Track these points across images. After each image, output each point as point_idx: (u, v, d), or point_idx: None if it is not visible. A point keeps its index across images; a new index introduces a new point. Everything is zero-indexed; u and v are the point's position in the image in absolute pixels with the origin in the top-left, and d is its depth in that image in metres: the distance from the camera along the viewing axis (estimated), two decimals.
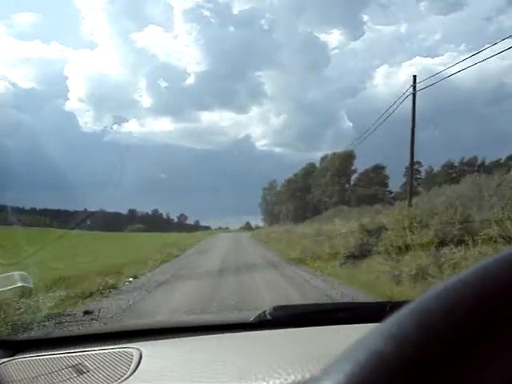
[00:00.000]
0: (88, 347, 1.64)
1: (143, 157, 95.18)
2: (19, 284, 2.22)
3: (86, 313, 4.34)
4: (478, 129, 78.65)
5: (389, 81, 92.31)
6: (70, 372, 1.43)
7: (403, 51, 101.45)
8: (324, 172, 65.67)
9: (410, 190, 19.56)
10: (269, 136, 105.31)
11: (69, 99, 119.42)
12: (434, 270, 9.43)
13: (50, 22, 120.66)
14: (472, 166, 62.23)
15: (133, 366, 1.38)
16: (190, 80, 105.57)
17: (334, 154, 66.08)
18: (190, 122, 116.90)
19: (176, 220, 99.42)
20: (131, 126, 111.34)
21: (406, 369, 0.36)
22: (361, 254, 13.08)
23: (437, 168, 63.67)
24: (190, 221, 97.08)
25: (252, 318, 1.74)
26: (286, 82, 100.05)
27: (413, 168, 18.99)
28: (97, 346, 1.64)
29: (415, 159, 59.37)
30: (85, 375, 1.40)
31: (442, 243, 10.60)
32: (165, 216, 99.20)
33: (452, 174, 62.97)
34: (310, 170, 68.87)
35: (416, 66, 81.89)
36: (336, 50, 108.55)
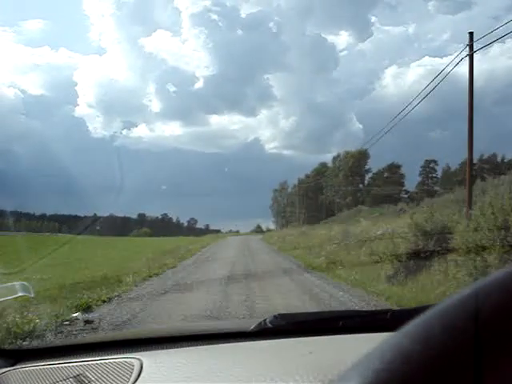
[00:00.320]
0: (89, 357, 1.60)
1: (153, 161, 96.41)
2: (20, 294, 2.24)
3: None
4: (488, 128, 72.66)
5: (398, 81, 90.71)
6: (71, 382, 1.41)
7: (412, 51, 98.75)
8: (336, 172, 62.17)
9: (470, 180, 15.69)
10: (278, 139, 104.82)
11: (78, 105, 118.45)
12: None
13: (58, 28, 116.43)
14: (491, 164, 58.89)
15: (134, 376, 1.36)
16: (199, 84, 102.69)
17: (347, 152, 62.46)
18: (199, 126, 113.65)
19: (186, 224, 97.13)
20: (140, 131, 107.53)
21: (432, 369, 0.36)
22: (418, 263, 9.42)
23: (454, 167, 59.97)
24: (200, 224, 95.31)
25: (252, 327, 1.67)
26: (295, 85, 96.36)
27: (471, 155, 15.15)
28: (98, 356, 1.59)
29: (430, 158, 54.83)
30: None
31: None
32: (174, 220, 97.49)
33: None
34: (322, 171, 65.19)
35: (425, 66, 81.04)
36: (344, 52, 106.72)
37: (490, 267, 7.65)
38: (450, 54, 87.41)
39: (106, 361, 1.52)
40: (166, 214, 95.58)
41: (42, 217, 67.66)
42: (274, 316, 1.70)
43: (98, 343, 1.84)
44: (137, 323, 6.14)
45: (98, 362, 1.53)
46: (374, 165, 61.13)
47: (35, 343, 4.29)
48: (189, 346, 1.64)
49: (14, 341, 4.70)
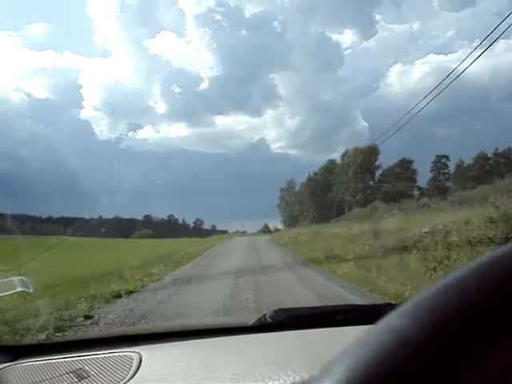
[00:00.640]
0: (88, 352, 1.57)
1: (158, 163, 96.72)
2: (19, 289, 2.21)
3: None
4: (495, 124, 73.46)
5: (403, 79, 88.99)
6: (71, 377, 1.41)
7: (417, 49, 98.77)
8: (346, 169, 58.93)
9: None
10: (284, 138, 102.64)
11: (83, 108, 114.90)
12: None
13: (62, 31, 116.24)
14: (507, 158, 55.67)
15: (133, 369, 1.35)
16: (204, 85, 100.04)
17: (356, 148, 59.20)
18: (204, 127, 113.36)
19: (192, 225, 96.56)
20: (146, 133, 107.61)
21: (427, 344, 0.36)
22: None
23: (467, 162, 56.65)
24: (207, 225, 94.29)
25: (252, 321, 1.66)
26: (300, 84, 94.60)
27: None
28: (97, 351, 1.56)
29: (440, 153, 52.04)
30: (86, 380, 1.38)
31: None
32: (181, 221, 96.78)
33: (486, 166, 56.23)
34: (330, 168, 61.87)
35: (430, 63, 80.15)
36: (349, 50, 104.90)
37: None
38: (455, 51, 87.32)
39: (106, 355, 1.48)
40: (171, 215, 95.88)
41: (48, 219, 67.91)
42: (274, 311, 1.67)
43: (98, 339, 1.83)
44: None
45: (97, 356, 1.49)
46: (382, 161, 58.22)
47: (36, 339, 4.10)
48: (188, 340, 1.59)
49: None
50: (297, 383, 1.03)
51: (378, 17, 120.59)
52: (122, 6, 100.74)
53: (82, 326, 5.79)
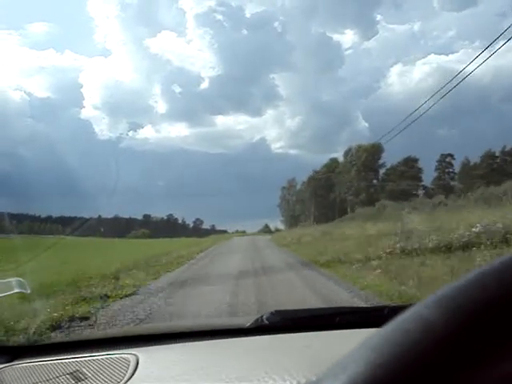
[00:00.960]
0: (85, 353, 1.56)
1: (159, 162, 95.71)
2: (16, 290, 2.16)
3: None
4: (496, 124, 71.81)
5: (404, 79, 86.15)
6: (67, 379, 1.39)
7: (417, 49, 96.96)
8: (348, 167, 56.50)
9: None
10: (284, 138, 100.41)
11: (84, 107, 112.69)
12: None
13: (63, 30, 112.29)
14: None
15: (129, 371, 1.33)
16: (205, 84, 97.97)
17: (359, 146, 56.79)
18: (205, 127, 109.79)
19: (192, 225, 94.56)
20: (147, 132, 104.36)
21: (455, 336, 0.35)
22: None
23: (473, 160, 54.28)
24: (206, 225, 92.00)
25: (249, 323, 1.62)
26: (301, 84, 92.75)
27: None
28: (94, 352, 1.56)
29: (444, 152, 50.89)
30: (82, 382, 1.36)
31: None
32: (180, 221, 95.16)
33: (493, 164, 53.81)
34: (332, 166, 59.32)
35: (430, 63, 78.11)
36: (350, 50, 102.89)
37: None
38: (456, 52, 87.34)
39: (103, 357, 1.48)
40: (171, 215, 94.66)
41: (48, 219, 67.40)
42: (271, 313, 1.65)
43: (95, 340, 1.81)
44: None
45: (94, 358, 1.49)
46: (385, 160, 55.99)
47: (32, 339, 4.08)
48: (185, 342, 1.58)
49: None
50: None
51: (378, 17, 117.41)
52: (122, 5, 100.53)
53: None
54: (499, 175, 48.11)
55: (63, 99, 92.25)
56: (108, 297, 7.66)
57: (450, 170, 57.92)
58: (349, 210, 54.05)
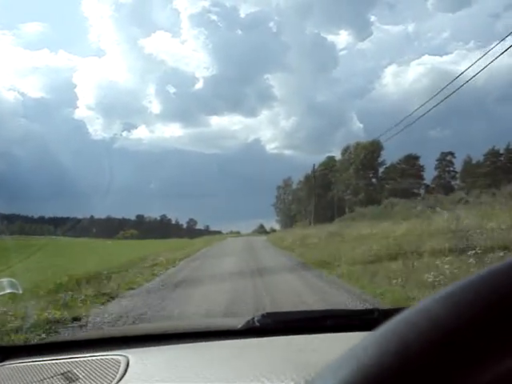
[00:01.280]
0: (77, 354, 1.53)
1: (153, 163, 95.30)
2: (8, 290, 2.13)
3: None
4: (493, 124, 71.53)
5: (398, 80, 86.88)
6: (59, 379, 1.36)
7: (412, 50, 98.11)
8: (347, 165, 53.37)
9: None
10: (279, 139, 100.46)
11: (78, 107, 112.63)
12: None
13: (57, 30, 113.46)
14: None
15: (120, 373, 1.30)
16: (199, 85, 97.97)
17: (358, 144, 53.66)
18: (199, 127, 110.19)
19: (185, 225, 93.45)
20: (141, 133, 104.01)
21: (461, 331, 0.35)
22: None
23: (476, 158, 51.42)
24: (201, 225, 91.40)
25: (240, 325, 1.58)
26: (295, 85, 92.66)
27: None
28: (85, 353, 1.52)
29: (445, 150, 49.61)
30: (74, 383, 1.33)
31: None
32: (174, 221, 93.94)
33: (497, 162, 50.89)
34: (330, 165, 56.02)
35: (425, 64, 78.56)
36: (344, 51, 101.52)
37: None
38: (451, 53, 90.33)
39: (94, 358, 1.45)
40: (164, 216, 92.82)
41: (41, 219, 66.62)
42: (262, 315, 1.62)
43: (86, 340, 1.77)
44: None
45: (85, 359, 1.46)
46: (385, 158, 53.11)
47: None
48: (176, 343, 1.56)
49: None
50: None
51: (373, 18, 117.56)
52: (116, 5, 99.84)
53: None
54: (504, 173, 45.60)
55: (57, 99, 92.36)
56: None
57: (451, 168, 55.12)
58: (347, 209, 51.14)
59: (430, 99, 19.55)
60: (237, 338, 1.55)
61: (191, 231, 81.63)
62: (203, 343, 1.53)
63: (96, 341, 1.71)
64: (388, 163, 53.55)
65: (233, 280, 9.22)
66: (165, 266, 12.57)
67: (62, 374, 1.38)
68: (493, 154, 50.44)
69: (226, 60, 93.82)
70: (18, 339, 3.98)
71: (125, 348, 1.50)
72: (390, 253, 9.72)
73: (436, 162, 54.05)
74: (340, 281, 9.01)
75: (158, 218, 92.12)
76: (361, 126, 79.44)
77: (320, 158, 69.54)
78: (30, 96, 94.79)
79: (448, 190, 48.01)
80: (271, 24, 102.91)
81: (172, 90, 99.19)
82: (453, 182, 53.76)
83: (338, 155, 57.31)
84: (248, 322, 1.59)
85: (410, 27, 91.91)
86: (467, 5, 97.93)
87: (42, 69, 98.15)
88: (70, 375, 1.36)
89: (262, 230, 66.92)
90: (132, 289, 8.56)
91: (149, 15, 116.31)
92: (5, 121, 78.01)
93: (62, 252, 19.40)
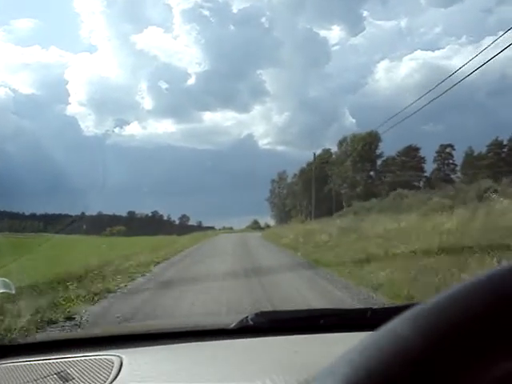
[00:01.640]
0: (71, 353, 1.49)
1: (145, 159, 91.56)
2: (1, 290, 2.05)
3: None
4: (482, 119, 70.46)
5: (390, 75, 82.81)
6: (53, 379, 1.32)
7: (404, 45, 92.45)
8: (343, 158, 50.28)
9: None
10: (271, 134, 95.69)
11: (70, 103, 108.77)
12: None
13: (48, 26, 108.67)
14: None
15: (113, 373, 1.28)
16: (192, 80, 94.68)
17: (355, 136, 50.54)
18: (192, 123, 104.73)
19: (178, 221, 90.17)
20: (133, 129, 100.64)
21: (429, 352, 0.34)
22: None
23: (478, 150, 48.58)
24: (193, 221, 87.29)
25: (233, 324, 1.54)
26: (288, 80, 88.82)
27: None
28: (80, 353, 1.48)
29: (444, 142, 48.56)
30: (69, 383, 1.30)
31: None
32: (166, 217, 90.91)
33: (501, 154, 48.08)
34: (325, 157, 52.75)
35: (417, 59, 75.75)
36: (337, 46, 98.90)
37: None
38: (443, 48, 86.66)
39: (88, 357, 1.42)
40: (156, 212, 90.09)
41: (32, 216, 65.33)
42: (256, 314, 1.57)
43: (80, 339, 1.73)
44: None
45: (79, 358, 1.43)
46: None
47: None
48: (169, 343, 1.52)
49: None
50: None
51: (365, 13, 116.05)
52: (108, 1, 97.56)
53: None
54: (507, 165, 42.97)
55: (48, 96, 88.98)
56: None
57: (450, 160, 52.21)
58: (344, 203, 48.12)
59: (427, 93, 18.62)
60: (230, 338, 1.51)
61: (184, 227, 78.49)
62: (197, 343, 1.49)
63: (90, 340, 1.66)
64: (385, 156, 50.89)
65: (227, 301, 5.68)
66: (116, 285, 7.96)
67: (56, 373, 1.36)
68: (496, 145, 47.56)
69: (219, 55, 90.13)
70: (10, 339, 3.24)
71: (119, 348, 1.46)
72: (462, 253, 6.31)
73: (435, 155, 51.44)
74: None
75: (150, 215, 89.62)
76: (353, 121, 76.53)
77: (312, 154, 67.30)
78: (21, 92, 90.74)
79: (448, 182, 45.30)
80: (263, 19, 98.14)
81: (164, 85, 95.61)
82: (453, 176, 51.22)
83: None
84: (242, 320, 1.54)
85: (403, 22, 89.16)
86: (460, 0, 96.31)
87: (33, 65, 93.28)
88: (64, 375, 1.34)
89: (256, 226, 63.46)
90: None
91: (140, 11, 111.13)
92: None
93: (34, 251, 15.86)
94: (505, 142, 47.51)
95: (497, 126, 62.99)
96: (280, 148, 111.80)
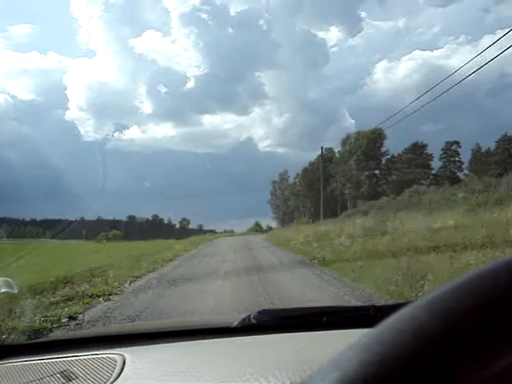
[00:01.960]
0: (74, 352, 1.46)
1: (145, 163, 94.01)
2: (3, 290, 1.97)
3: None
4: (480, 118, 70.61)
5: (389, 76, 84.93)
6: (57, 378, 1.30)
7: (402, 46, 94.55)
8: (347, 157, 47.90)
9: None
10: (271, 136, 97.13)
11: (69, 109, 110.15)
12: None
13: (46, 32, 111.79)
14: None
15: (116, 371, 1.26)
16: (191, 84, 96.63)
17: (359, 133, 48.15)
18: (191, 126, 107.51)
19: (178, 225, 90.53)
20: (133, 133, 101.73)
21: (444, 337, 0.34)
22: None
23: (485, 147, 46.33)
24: (194, 225, 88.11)
25: (236, 323, 1.52)
26: (287, 82, 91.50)
27: None
28: (83, 352, 1.46)
29: (449, 139, 47.86)
30: (72, 382, 1.27)
31: None
32: (166, 221, 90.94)
33: (510, 149, 45.76)
34: (328, 156, 50.31)
35: (416, 59, 77.32)
36: (335, 48, 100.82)
37: None
38: (441, 47, 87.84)
39: (91, 356, 1.41)
40: (156, 216, 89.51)
41: (32, 222, 63.17)
42: (258, 312, 1.54)
43: (83, 338, 1.69)
44: None
45: (83, 357, 1.41)
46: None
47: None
48: (172, 341, 1.50)
49: None
50: None
51: (363, 14, 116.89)
52: (106, 6, 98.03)
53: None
54: None
55: (48, 101, 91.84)
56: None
57: (457, 158, 49.80)
58: (349, 203, 45.73)
59: (427, 91, 19.01)
60: (233, 336, 1.50)
61: (184, 231, 78.07)
62: (200, 341, 1.49)
63: (93, 339, 1.63)
64: (390, 154, 48.54)
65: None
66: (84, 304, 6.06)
67: (59, 372, 1.34)
68: (505, 140, 45.22)
69: (217, 58, 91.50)
70: (14, 339, 3.53)
71: (121, 346, 1.46)
72: None
73: (440, 152, 49.12)
74: None
75: (150, 219, 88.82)
76: (353, 121, 77.16)
77: (312, 155, 65.42)
78: (20, 98, 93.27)
79: (454, 180, 43.02)
80: (261, 22, 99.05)
81: (163, 89, 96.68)
82: (460, 174, 48.89)
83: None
84: (244, 319, 1.53)
85: (401, 22, 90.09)
86: None
87: (32, 71, 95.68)
88: (68, 374, 1.33)
89: (257, 228, 60.50)
90: None
91: (138, 15, 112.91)
92: None
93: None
94: None
95: (499, 122, 61.94)
96: (280, 150, 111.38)
